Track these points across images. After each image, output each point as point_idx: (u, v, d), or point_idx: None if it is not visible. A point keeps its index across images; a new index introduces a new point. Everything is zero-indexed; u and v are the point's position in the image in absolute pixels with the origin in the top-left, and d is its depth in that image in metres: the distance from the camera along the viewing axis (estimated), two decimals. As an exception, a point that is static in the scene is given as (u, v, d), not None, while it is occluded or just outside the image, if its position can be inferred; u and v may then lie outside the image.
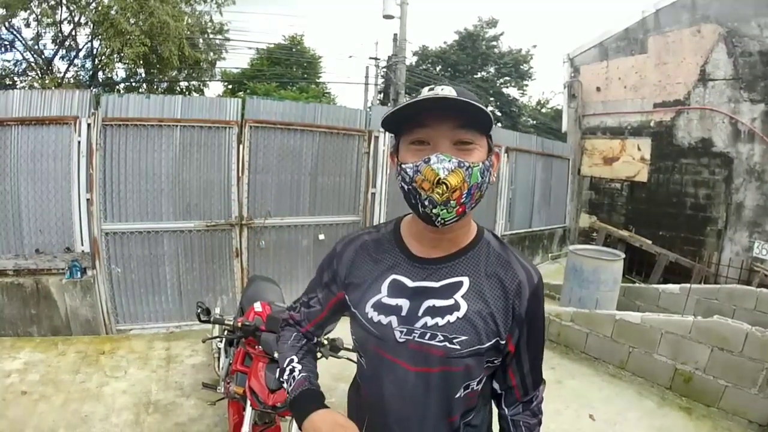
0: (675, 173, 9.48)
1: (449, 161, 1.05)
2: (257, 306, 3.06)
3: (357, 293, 1.28)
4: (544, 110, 27.64)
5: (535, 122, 26.20)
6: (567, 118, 11.52)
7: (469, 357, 1.16)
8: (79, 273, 5.04)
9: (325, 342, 2.49)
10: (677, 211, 9.42)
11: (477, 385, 1.23)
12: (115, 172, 5.17)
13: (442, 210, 1.06)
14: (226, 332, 2.78)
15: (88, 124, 4.96)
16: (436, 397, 1.20)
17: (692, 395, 4.22)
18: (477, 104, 1.04)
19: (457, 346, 1.15)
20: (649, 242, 9.56)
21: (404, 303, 1.20)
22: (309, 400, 1.24)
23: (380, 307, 1.22)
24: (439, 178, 1.03)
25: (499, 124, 24.54)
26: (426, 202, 1.07)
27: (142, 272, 5.41)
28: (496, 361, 1.24)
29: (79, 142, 4.95)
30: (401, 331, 1.18)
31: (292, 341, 1.43)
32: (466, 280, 1.19)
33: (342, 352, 2.45)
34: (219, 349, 3.81)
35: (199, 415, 3.79)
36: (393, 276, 1.23)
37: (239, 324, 2.57)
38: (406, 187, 1.11)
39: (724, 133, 8.65)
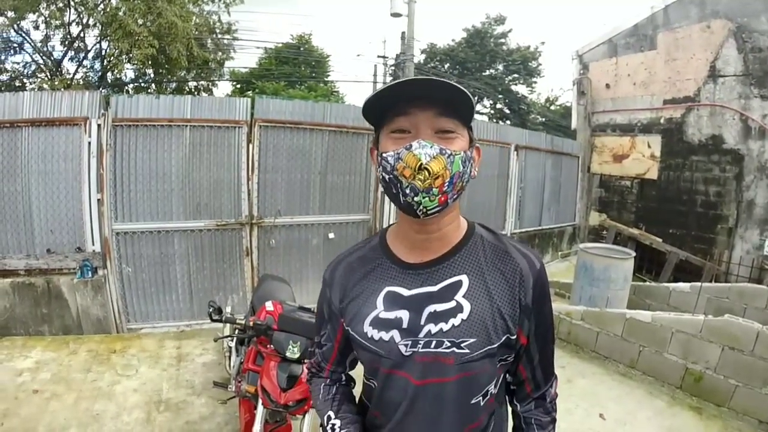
0: (685, 171, 9.40)
1: (431, 147, 1.02)
2: (269, 305, 3.06)
3: (351, 313, 1.23)
4: (553, 108, 27.49)
5: (544, 120, 26.06)
6: (576, 116, 11.45)
7: (481, 360, 1.11)
8: (90, 272, 5.08)
9: None
10: (688, 209, 9.35)
11: (495, 388, 1.19)
12: (126, 172, 5.20)
13: (424, 198, 1.03)
14: (237, 331, 2.79)
15: (98, 125, 5.00)
16: (451, 408, 1.14)
17: (703, 395, 4.20)
18: (459, 87, 1.02)
19: (467, 350, 1.10)
20: (660, 240, 9.51)
21: (404, 314, 1.14)
22: None
23: (378, 323, 1.16)
24: (421, 164, 1.01)
25: (508, 122, 24.49)
26: (407, 190, 1.04)
27: (153, 271, 5.45)
28: (509, 359, 1.19)
29: (89, 143, 4.99)
30: (406, 345, 1.13)
31: (323, 395, 1.38)
32: (465, 279, 1.14)
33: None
34: (230, 347, 3.82)
35: (210, 414, 3.81)
36: (387, 288, 1.18)
37: (251, 323, 2.57)
38: (387, 176, 1.07)
39: (734, 129, 8.57)
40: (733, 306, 5.69)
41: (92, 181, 5.04)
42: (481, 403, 1.17)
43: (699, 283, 6.30)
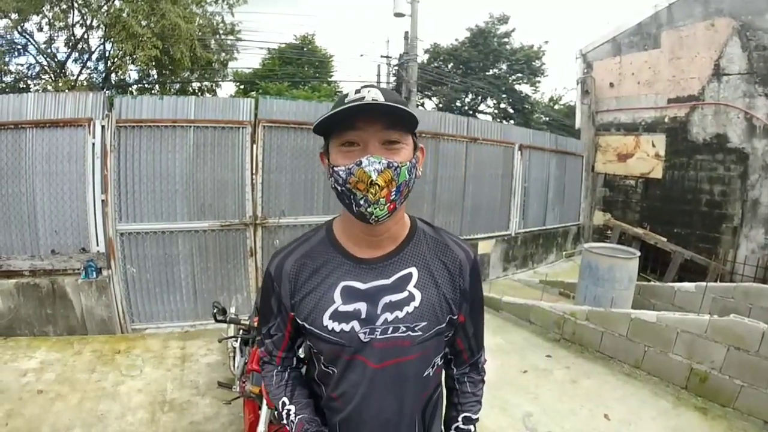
0: (690, 170, 9.38)
1: (379, 162, 1.10)
2: (272, 305, 3.05)
3: (307, 309, 1.29)
4: (556, 107, 27.42)
5: (547, 119, 26.02)
6: (580, 115, 11.43)
7: (432, 338, 1.28)
8: (94, 273, 5.09)
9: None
10: (692, 208, 9.33)
11: (440, 360, 1.38)
12: (130, 173, 5.22)
13: (375, 208, 1.12)
14: (241, 332, 2.79)
15: (102, 126, 5.02)
16: (411, 382, 1.29)
17: (708, 395, 4.18)
18: (404, 108, 1.10)
19: (420, 332, 1.25)
20: (664, 240, 9.48)
21: (362, 306, 1.24)
22: None
23: (338, 316, 1.25)
24: (372, 180, 1.10)
25: (512, 122, 24.44)
26: (361, 201, 1.12)
27: (157, 272, 5.46)
28: (449, 334, 1.35)
29: (93, 144, 5.01)
30: (364, 333, 1.23)
31: (276, 381, 1.45)
32: (414, 271, 1.28)
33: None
34: (234, 348, 3.82)
35: (214, 414, 3.81)
36: (343, 283, 1.26)
37: (255, 323, 2.57)
38: (339, 188, 1.16)
39: (739, 128, 8.55)
40: (739, 306, 5.67)
41: (96, 181, 5.06)
42: (431, 374, 1.34)
43: (704, 283, 6.28)
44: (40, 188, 4.97)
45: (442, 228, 1.42)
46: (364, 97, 1.12)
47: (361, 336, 1.23)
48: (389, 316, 1.23)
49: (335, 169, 1.16)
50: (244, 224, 5.71)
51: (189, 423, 3.70)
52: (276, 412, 1.47)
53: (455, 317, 1.33)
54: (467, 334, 1.42)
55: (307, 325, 1.29)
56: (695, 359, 4.26)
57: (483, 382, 1.52)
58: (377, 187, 1.10)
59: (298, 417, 1.35)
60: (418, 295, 1.26)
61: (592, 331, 5.09)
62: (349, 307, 1.24)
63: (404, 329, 1.24)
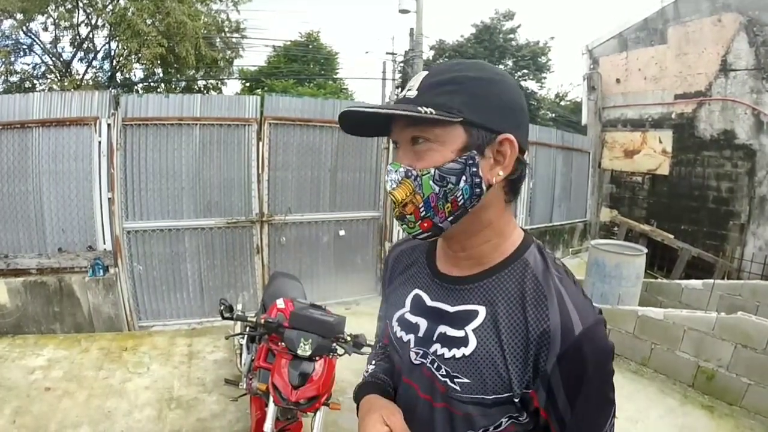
0: (697, 166, 9.31)
1: (396, 171, 0.94)
2: (280, 303, 3.07)
3: (387, 304, 1.20)
4: (563, 103, 27.34)
5: (554, 115, 25.93)
6: (587, 111, 11.37)
7: (471, 404, 0.96)
8: (101, 271, 5.11)
9: (348, 338, 2.49)
10: (699, 205, 9.27)
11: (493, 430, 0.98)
12: (136, 171, 5.23)
13: (402, 225, 0.97)
14: (248, 329, 2.79)
15: (108, 125, 5.03)
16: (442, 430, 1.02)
17: (715, 393, 4.16)
18: (409, 113, 0.88)
19: (458, 388, 0.96)
20: (671, 237, 9.43)
21: (422, 322, 1.06)
22: (366, 387, 1.19)
23: (403, 323, 1.11)
24: (390, 192, 0.95)
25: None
26: (396, 214, 0.98)
27: (164, 270, 5.48)
28: (521, 419, 0.96)
29: (99, 143, 5.02)
30: (417, 353, 1.05)
31: (371, 356, 1.36)
32: (482, 311, 0.97)
33: (365, 349, 2.44)
34: (241, 345, 3.83)
35: (221, 411, 3.83)
36: (416, 290, 1.11)
37: (262, 320, 2.57)
38: None
39: (746, 124, 8.48)
40: (746, 303, 5.63)
41: (103, 180, 5.07)
42: None
43: (711, 281, 6.24)
44: (47, 187, 4.99)
45: (565, 271, 1.00)
46: (408, 86, 0.96)
47: (412, 355, 1.06)
48: (439, 349, 1.00)
49: None
50: (250, 221, 5.72)
51: (196, 420, 3.71)
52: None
53: (516, 400, 0.93)
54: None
55: (387, 320, 1.19)
56: (702, 357, 4.25)
57: None
58: (394, 202, 0.95)
59: (368, 373, 1.26)
60: (473, 342, 0.96)
61: (599, 328, 5.05)
62: (413, 318, 1.09)
63: (444, 373, 0.98)
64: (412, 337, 1.07)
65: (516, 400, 0.92)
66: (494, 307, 0.96)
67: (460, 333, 0.98)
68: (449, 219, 0.94)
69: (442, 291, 1.05)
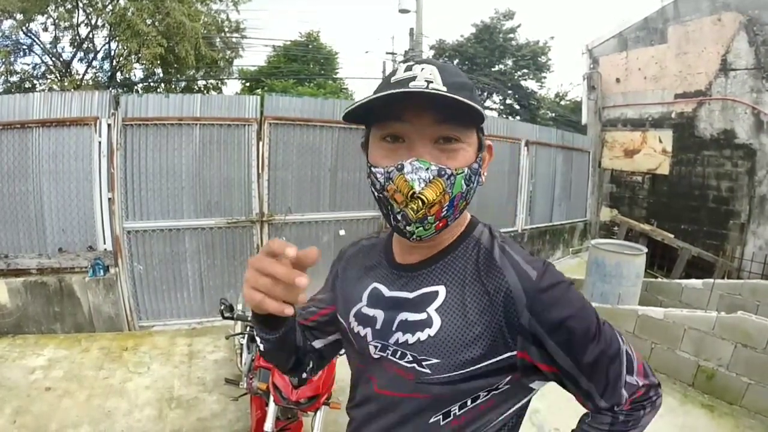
0: (697, 166, 9.32)
1: (427, 169, 0.87)
2: (279, 302, 3.06)
3: (342, 302, 1.16)
4: (563, 103, 27.30)
5: (554, 115, 25.88)
6: (587, 111, 11.38)
7: (443, 385, 0.94)
8: (101, 271, 5.12)
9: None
10: (699, 205, 9.27)
11: (461, 409, 0.96)
12: (136, 171, 5.24)
13: (417, 227, 0.90)
14: (248, 328, 2.80)
15: (108, 125, 5.03)
16: (411, 426, 1.00)
17: (715, 392, 4.16)
18: (467, 102, 0.84)
19: (428, 371, 0.94)
20: (671, 236, 9.42)
21: (379, 314, 1.04)
22: None
23: (360, 318, 1.08)
24: (414, 192, 0.87)
25: (518, 118, 24.34)
26: (399, 217, 0.91)
27: (164, 269, 5.48)
28: (500, 386, 0.95)
29: (99, 142, 5.02)
30: (375, 346, 1.02)
31: None
32: (442, 290, 0.97)
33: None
34: (241, 345, 3.84)
35: (221, 411, 3.83)
36: (373, 284, 1.09)
37: (262, 320, 2.57)
38: (376, 193, 0.95)
39: (746, 124, 8.47)
40: (746, 303, 5.63)
41: (103, 180, 5.08)
42: (441, 423, 0.98)
43: (711, 280, 6.25)
44: (47, 187, 5.00)
45: (512, 241, 1.02)
46: (415, 77, 0.88)
47: (371, 349, 1.03)
48: (401, 337, 0.98)
49: (373, 169, 0.95)
50: (250, 221, 5.73)
51: (196, 419, 3.71)
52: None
53: (493, 367, 0.92)
54: (579, 387, 0.97)
55: (341, 319, 1.15)
56: (702, 356, 4.25)
57: (618, 422, 1.04)
58: (420, 203, 0.87)
59: None
60: (437, 321, 0.95)
61: (599, 327, 5.06)
62: (370, 312, 1.06)
63: (410, 359, 0.96)
64: (369, 330, 1.05)
65: (492, 369, 0.92)
66: (452, 284, 0.97)
67: (422, 316, 0.97)
68: (455, 218, 0.96)
69: (400, 280, 1.04)
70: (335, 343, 1.29)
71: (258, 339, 1.16)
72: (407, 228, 0.91)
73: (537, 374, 0.96)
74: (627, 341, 0.99)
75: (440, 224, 0.92)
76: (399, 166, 0.88)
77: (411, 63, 0.92)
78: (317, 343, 1.28)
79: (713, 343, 4.16)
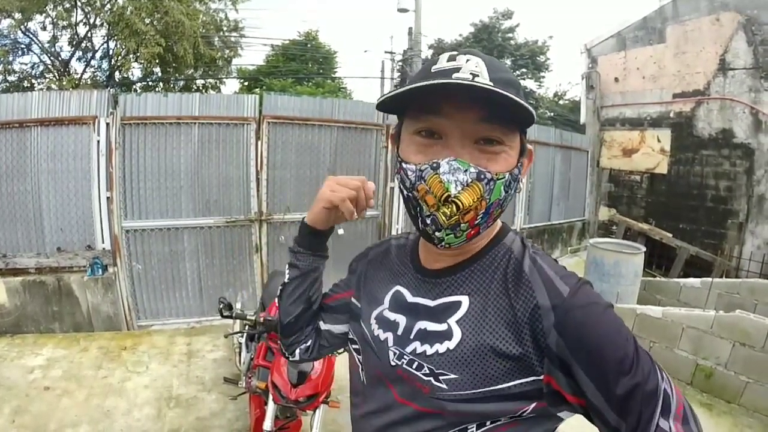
0: (695, 165, 9.32)
1: (465, 171, 0.80)
2: (278, 301, 3.07)
3: (364, 303, 1.12)
4: (561, 102, 27.33)
5: (552, 114, 25.91)
6: (585, 110, 11.37)
7: (460, 402, 0.86)
8: (100, 270, 5.11)
9: None
10: (698, 204, 9.27)
11: (478, 428, 0.88)
12: (135, 170, 5.23)
13: (448, 235, 0.84)
14: (247, 327, 2.80)
15: (107, 124, 5.02)
16: None
17: (713, 391, 4.17)
18: (518, 99, 0.77)
19: (444, 386, 0.87)
20: (670, 235, 9.42)
21: (401, 320, 0.99)
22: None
23: (381, 321, 1.03)
24: (449, 195, 0.80)
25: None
26: (428, 221, 0.85)
27: (163, 269, 5.48)
28: (525, 414, 0.86)
29: (98, 142, 5.01)
30: (394, 353, 0.97)
31: None
32: (465, 300, 0.91)
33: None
34: (240, 344, 3.84)
35: (220, 410, 3.83)
36: (396, 287, 1.04)
37: (261, 319, 2.58)
38: (405, 192, 0.88)
39: (744, 123, 8.48)
40: (744, 302, 5.64)
41: (101, 179, 5.07)
42: None
43: (709, 279, 6.26)
44: (46, 186, 4.99)
45: (544, 254, 0.94)
46: (459, 68, 0.80)
47: (391, 355, 0.97)
48: (419, 347, 0.92)
49: (404, 165, 0.87)
50: (249, 220, 5.72)
51: (195, 418, 3.72)
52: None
53: (516, 390, 0.83)
54: (606, 423, 0.79)
55: (361, 320, 1.10)
56: (701, 355, 4.26)
57: None
58: (454, 208, 0.81)
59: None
60: (457, 333, 0.88)
61: (598, 326, 5.06)
62: (392, 316, 1.01)
63: (427, 371, 0.90)
64: (390, 335, 0.99)
65: (515, 391, 0.83)
66: (477, 295, 0.90)
67: (442, 326, 0.91)
68: (488, 226, 0.89)
69: (424, 286, 0.99)
70: (339, 336, 1.26)
71: (287, 267, 1.24)
72: (436, 234, 0.85)
73: (565, 404, 0.85)
74: (669, 378, 0.85)
75: (472, 232, 0.86)
76: (434, 165, 0.81)
77: (454, 53, 0.85)
78: (323, 325, 1.27)
79: (711, 341, 4.18)
